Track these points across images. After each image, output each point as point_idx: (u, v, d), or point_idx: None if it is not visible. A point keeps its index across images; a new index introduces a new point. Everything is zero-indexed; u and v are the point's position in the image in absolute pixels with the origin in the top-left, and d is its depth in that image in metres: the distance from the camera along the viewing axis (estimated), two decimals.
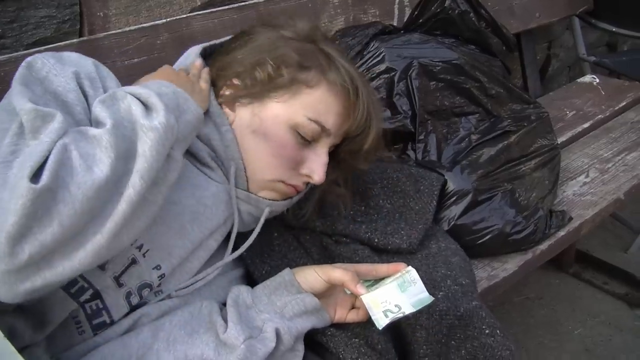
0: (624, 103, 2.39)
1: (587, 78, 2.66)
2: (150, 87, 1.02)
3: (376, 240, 1.37)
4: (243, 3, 1.78)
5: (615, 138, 2.14)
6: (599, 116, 2.29)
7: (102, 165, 0.90)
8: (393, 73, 1.65)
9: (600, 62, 2.90)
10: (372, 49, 1.67)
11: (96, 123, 0.97)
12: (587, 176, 1.92)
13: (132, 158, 0.93)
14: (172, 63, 1.29)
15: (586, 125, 2.24)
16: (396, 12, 2.03)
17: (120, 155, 0.92)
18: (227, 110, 1.21)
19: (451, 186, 1.52)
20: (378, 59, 1.66)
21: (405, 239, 1.37)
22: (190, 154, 1.19)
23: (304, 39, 1.21)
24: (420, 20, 1.87)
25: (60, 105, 1.01)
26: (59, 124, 0.92)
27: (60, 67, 1.06)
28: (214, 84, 1.24)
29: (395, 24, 2.02)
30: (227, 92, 1.21)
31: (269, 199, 1.22)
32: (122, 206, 0.91)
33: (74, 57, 1.11)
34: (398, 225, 1.40)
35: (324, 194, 1.36)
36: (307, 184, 1.25)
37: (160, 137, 0.95)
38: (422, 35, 1.77)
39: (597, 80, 2.61)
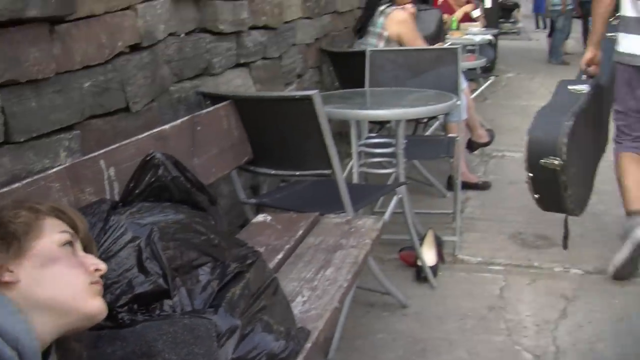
0: (301, 232, 2.80)
1: (260, 218, 3.04)
2: None
3: None
4: None
5: (309, 260, 2.53)
6: (287, 246, 2.67)
7: None
8: (138, 241, 1.80)
9: (262, 203, 3.34)
10: (113, 223, 1.81)
11: None
12: (303, 296, 2.25)
13: None
14: None
15: (280, 256, 2.59)
16: (107, 187, 2.19)
17: None
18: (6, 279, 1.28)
19: (220, 326, 1.70)
20: (122, 230, 1.80)
21: None
22: None
23: None
24: (137, 191, 2.06)
25: None
26: None
27: None
28: None
29: (108, 197, 2.17)
30: None
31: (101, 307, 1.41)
32: None
33: None
34: None
35: None
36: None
37: None
38: (150, 203, 1.96)
39: (269, 217, 3.01)
